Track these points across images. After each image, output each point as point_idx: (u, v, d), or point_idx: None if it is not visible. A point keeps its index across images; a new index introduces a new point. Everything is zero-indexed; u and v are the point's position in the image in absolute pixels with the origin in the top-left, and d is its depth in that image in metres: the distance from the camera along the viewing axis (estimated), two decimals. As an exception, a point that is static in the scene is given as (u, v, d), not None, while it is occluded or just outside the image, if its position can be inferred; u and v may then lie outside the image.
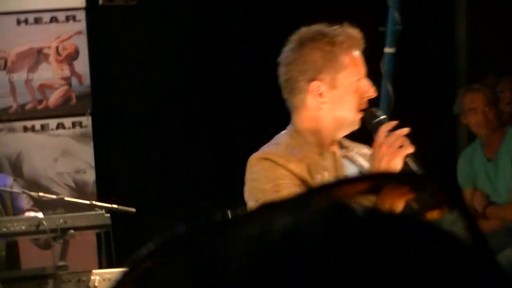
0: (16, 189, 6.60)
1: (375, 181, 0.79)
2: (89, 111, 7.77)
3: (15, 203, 6.59)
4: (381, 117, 3.97)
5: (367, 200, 0.74)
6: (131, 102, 8.05)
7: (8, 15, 7.67)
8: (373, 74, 5.23)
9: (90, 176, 7.89)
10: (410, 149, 3.80)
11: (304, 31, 3.98)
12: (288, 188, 3.88)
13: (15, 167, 7.69)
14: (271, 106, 5.26)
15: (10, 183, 6.64)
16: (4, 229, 6.01)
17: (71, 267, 5.86)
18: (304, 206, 0.73)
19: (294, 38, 3.96)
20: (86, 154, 7.95)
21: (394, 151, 3.86)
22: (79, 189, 7.79)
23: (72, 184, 7.85)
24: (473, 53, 8.49)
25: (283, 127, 3.98)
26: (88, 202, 6.37)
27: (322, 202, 0.73)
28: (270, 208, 0.74)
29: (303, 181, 3.92)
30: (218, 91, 7.59)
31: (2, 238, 6.16)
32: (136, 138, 8.19)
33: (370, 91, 3.95)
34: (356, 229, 0.69)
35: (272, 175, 3.96)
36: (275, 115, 4.45)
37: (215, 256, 0.71)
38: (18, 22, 7.67)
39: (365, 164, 4.06)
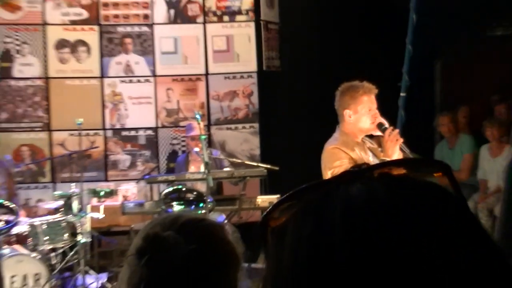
0: (222, 156, 9.23)
1: (408, 163, 0.98)
2: (257, 121, 10.58)
3: (221, 164, 9.00)
4: (385, 126, 5.33)
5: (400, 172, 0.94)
6: (280, 116, 10.50)
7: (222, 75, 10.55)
8: (395, 106, 8.64)
9: (256, 152, 10.53)
10: (401, 141, 5.20)
11: (344, 85, 5.48)
12: (346, 165, 5.03)
13: (222, 147, 10.39)
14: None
15: (219, 154, 9.24)
16: (216, 176, 8.18)
17: (247, 194, 8.35)
18: (371, 177, 0.91)
19: (340, 88, 5.48)
20: (255, 141, 10.63)
21: (394, 143, 5.20)
22: (251, 158, 10.13)
23: (248, 155, 10.44)
24: (444, 98, 11.19)
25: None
26: (255, 163, 8.93)
27: (383, 175, 0.92)
28: (352, 177, 0.91)
29: (354, 161, 5.14)
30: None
31: (215, 180, 8.05)
32: (282, 138, 10.28)
33: (376, 114, 5.36)
34: (405, 193, 0.88)
35: (339, 157, 5.24)
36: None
37: (325, 205, 0.89)
38: (225, 78, 10.58)
39: (370, 154, 5.44)
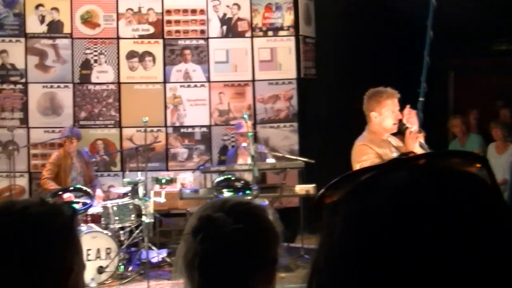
0: (266, 151, 9.42)
1: (450, 154, 0.95)
2: (296, 120, 10.70)
3: (265, 157, 9.13)
4: (406, 125, 5.24)
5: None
6: (316, 117, 10.51)
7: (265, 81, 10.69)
8: (414, 109, 8.89)
9: (295, 147, 10.57)
10: (420, 138, 5.13)
11: (370, 90, 5.44)
12: (372, 159, 5.10)
13: (266, 142, 10.44)
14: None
15: (263, 149, 9.40)
16: (261, 167, 8.35)
17: (287, 184, 8.65)
18: (417, 165, 0.89)
19: (367, 93, 5.43)
20: (294, 137, 10.70)
21: (413, 140, 5.12)
22: (291, 153, 10.18)
23: (288, 150, 10.43)
24: (456, 102, 11.39)
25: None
26: (294, 157, 9.22)
27: (427, 164, 0.90)
28: (399, 164, 0.90)
29: (380, 156, 5.15)
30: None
31: (259, 171, 8.08)
32: (317, 135, 10.29)
33: (398, 116, 5.26)
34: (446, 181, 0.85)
35: (366, 152, 5.24)
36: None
37: (374, 187, 0.86)
38: (269, 84, 10.68)
39: (394, 150, 5.26)
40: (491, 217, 0.84)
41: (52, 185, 8.68)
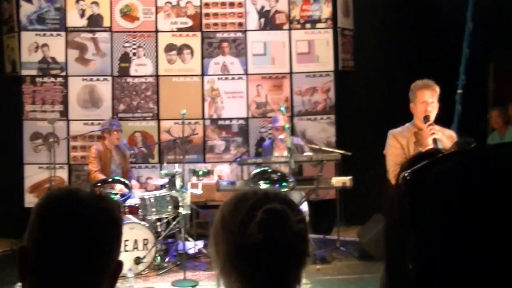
0: (302, 143, 9.23)
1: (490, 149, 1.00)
2: (333, 113, 10.55)
3: (302, 149, 8.93)
4: (430, 121, 5.31)
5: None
6: (353, 109, 10.54)
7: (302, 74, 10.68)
8: (453, 101, 8.60)
9: (332, 139, 10.56)
10: (436, 135, 5.17)
11: (413, 84, 5.53)
12: (392, 149, 5.38)
13: (303, 134, 10.46)
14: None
15: (299, 141, 9.28)
16: (298, 159, 8.21)
17: (324, 176, 8.30)
18: (460, 160, 0.97)
19: (411, 86, 5.52)
20: (331, 130, 10.68)
21: (427, 135, 5.22)
22: (328, 145, 10.18)
23: (325, 142, 10.43)
24: (496, 94, 11.18)
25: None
26: (331, 149, 9.09)
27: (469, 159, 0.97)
28: (447, 158, 0.98)
29: (402, 147, 5.35)
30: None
31: (297, 163, 8.15)
32: (355, 128, 10.42)
33: (427, 106, 5.35)
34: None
35: (389, 142, 5.46)
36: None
37: (424, 176, 0.96)
38: (307, 76, 10.62)
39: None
40: None
41: (103, 178, 8.81)
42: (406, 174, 0.99)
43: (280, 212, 1.65)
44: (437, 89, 5.43)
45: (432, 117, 5.37)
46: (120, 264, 1.67)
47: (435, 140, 5.16)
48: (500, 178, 0.92)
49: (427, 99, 5.33)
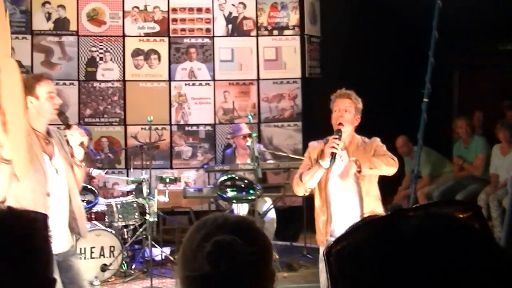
0: (264, 149, 9.17)
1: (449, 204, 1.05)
2: (300, 120, 10.62)
3: (264, 157, 8.82)
4: (340, 133, 5.26)
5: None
6: (320, 116, 9.00)
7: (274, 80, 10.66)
8: (419, 109, 8.12)
9: (299, 146, 10.37)
10: (334, 150, 5.13)
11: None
12: (304, 164, 5.52)
13: (270, 141, 10.53)
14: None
15: (261, 148, 9.03)
16: (264, 167, 8.31)
17: (290, 183, 7.33)
18: (421, 215, 1.01)
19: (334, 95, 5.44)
20: (298, 137, 10.67)
21: (328, 147, 5.18)
22: (295, 152, 10.02)
23: (292, 149, 10.38)
24: (461, 103, 11.41)
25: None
26: (298, 156, 8.63)
27: (429, 213, 1.01)
28: (404, 214, 1.02)
29: (311, 159, 5.48)
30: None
31: (262, 170, 8.06)
32: (321, 135, 10.71)
33: (339, 114, 5.32)
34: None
35: (305, 154, 5.71)
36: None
37: (389, 236, 0.98)
38: (274, 83, 10.63)
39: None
40: (477, 258, 0.94)
41: None
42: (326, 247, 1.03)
43: (228, 244, 1.65)
44: (355, 99, 5.33)
45: (346, 125, 5.28)
46: (51, 282, 1.55)
47: (332, 154, 5.10)
48: (410, 246, 0.95)
49: (340, 106, 5.26)
